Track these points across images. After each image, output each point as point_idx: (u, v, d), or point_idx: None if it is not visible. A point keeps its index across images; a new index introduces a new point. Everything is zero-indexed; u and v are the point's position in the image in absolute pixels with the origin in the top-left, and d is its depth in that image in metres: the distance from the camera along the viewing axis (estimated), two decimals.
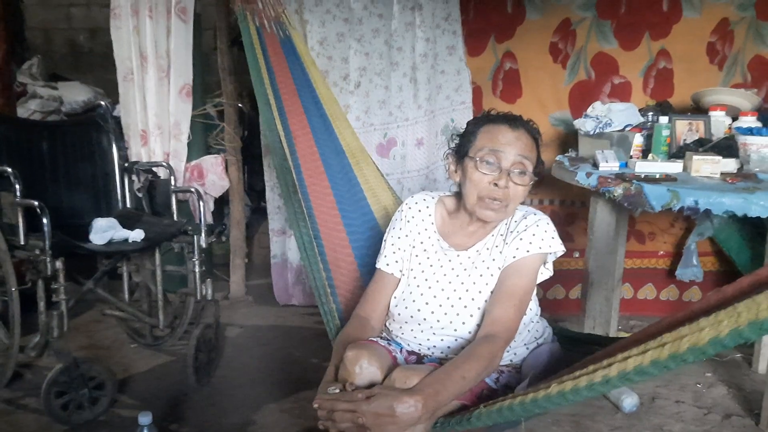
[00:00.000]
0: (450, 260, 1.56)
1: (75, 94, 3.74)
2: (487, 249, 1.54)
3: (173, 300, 2.66)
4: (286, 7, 2.59)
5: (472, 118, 3.06)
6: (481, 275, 1.52)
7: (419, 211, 1.63)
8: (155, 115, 3.03)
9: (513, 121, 1.51)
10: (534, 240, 1.49)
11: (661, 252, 3.16)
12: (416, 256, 1.60)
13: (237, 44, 3.69)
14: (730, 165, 2.26)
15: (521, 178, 1.47)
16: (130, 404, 2.30)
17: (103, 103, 2.73)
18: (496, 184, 1.46)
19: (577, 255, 3.08)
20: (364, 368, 1.36)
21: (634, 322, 3.05)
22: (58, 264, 2.06)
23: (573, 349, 1.71)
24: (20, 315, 2.12)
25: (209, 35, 3.67)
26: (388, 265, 1.61)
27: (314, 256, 1.86)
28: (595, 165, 2.34)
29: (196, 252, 2.43)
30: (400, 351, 1.56)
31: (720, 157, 2.22)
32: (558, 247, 1.52)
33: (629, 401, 2.24)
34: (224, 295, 3.33)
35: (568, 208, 3.15)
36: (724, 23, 2.95)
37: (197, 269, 2.44)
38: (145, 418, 1.63)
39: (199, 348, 2.41)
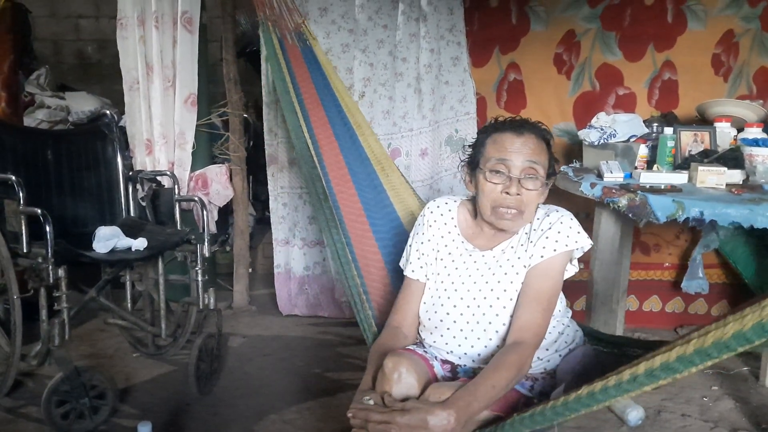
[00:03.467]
0: (475, 261, 1.57)
1: (82, 104, 3.75)
2: (512, 248, 1.54)
3: (176, 309, 2.65)
4: (306, 18, 2.58)
5: (476, 128, 3.12)
6: (505, 273, 1.52)
7: (441, 214, 1.63)
8: (160, 124, 3.04)
9: (519, 126, 1.51)
10: (560, 237, 1.49)
11: (667, 264, 3.13)
12: (441, 259, 1.61)
13: (243, 55, 3.72)
14: (736, 176, 2.25)
15: (533, 183, 1.47)
16: (132, 414, 2.29)
17: (108, 112, 2.75)
18: (507, 193, 1.47)
19: (581, 266, 3.05)
20: (403, 376, 1.39)
21: (639, 335, 3.02)
22: (61, 272, 2.06)
23: (604, 350, 1.74)
24: (22, 323, 2.11)
25: (215, 47, 3.70)
26: (413, 271, 1.63)
27: (348, 263, 1.87)
28: (600, 176, 2.33)
29: (199, 261, 2.44)
30: (437, 359, 1.57)
31: (725, 168, 2.21)
32: (585, 242, 1.52)
33: (634, 414, 2.22)
34: (227, 304, 3.33)
35: None
36: (729, 35, 2.95)
37: (200, 278, 2.45)
38: (144, 428, 1.62)
39: (201, 357, 2.41)
